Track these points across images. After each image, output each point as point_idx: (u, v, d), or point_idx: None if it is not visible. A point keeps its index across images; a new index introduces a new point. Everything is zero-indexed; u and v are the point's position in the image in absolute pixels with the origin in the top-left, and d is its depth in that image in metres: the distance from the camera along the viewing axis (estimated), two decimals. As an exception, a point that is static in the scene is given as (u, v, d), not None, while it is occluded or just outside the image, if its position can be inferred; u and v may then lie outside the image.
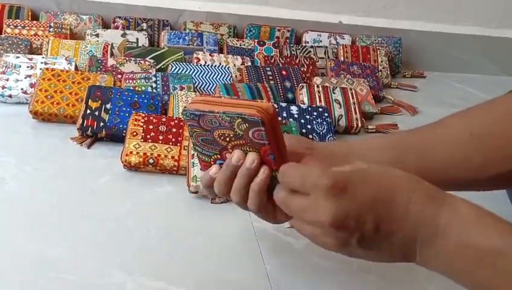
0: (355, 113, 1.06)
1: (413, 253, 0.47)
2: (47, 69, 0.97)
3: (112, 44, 1.16)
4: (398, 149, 0.61)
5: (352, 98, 1.08)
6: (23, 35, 1.16)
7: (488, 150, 0.59)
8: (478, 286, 0.45)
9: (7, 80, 0.97)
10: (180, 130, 0.86)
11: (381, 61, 1.33)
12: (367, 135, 1.08)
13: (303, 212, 0.47)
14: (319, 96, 1.07)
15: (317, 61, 1.27)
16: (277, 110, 0.99)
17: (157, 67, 1.11)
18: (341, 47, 1.32)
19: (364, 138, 1.06)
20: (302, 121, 0.98)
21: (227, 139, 0.51)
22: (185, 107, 0.51)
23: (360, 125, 1.05)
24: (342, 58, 1.30)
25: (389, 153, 0.61)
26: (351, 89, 1.10)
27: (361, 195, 0.45)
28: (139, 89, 0.98)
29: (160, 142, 0.84)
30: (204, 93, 1.06)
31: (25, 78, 0.98)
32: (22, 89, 0.96)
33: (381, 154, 0.60)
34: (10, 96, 0.96)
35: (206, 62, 1.16)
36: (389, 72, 1.33)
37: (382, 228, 0.45)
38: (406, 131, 0.67)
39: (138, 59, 1.09)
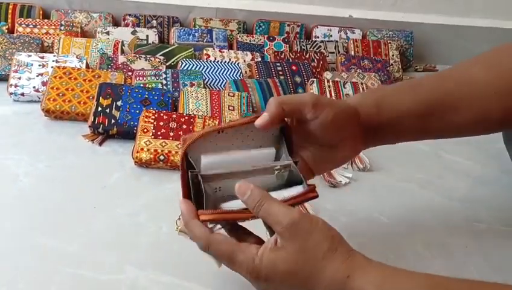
0: (367, 107, 1.05)
1: None
2: (58, 67, 0.97)
3: (122, 41, 1.17)
4: (426, 117, 0.62)
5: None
6: (35, 33, 1.16)
7: (508, 107, 0.60)
8: None
9: (19, 78, 0.98)
10: (191, 127, 0.86)
11: (393, 55, 1.32)
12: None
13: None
14: (330, 91, 1.06)
15: (328, 56, 1.26)
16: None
17: (167, 64, 1.11)
18: (351, 41, 1.31)
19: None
20: (313, 116, 0.97)
21: None
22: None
23: (371, 119, 1.04)
24: (353, 53, 1.29)
25: (417, 122, 0.62)
26: (361, 84, 1.09)
27: (277, 282, 0.49)
28: (150, 86, 0.98)
29: (170, 138, 0.84)
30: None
31: (37, 76, 0.99)
32: (34, 87, 0.97)
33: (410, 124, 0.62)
34: (23, 94, 0.97)
35: (216, 58, 1.16)
36: (400, 66, 1.32)
37: None
38: (433, 82, 0.66)
39: (148, 56, 1.10)
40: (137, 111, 0.90)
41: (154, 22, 1.28)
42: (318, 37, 1.35)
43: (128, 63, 1.07)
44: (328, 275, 0.48)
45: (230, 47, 1.27)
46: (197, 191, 0.53)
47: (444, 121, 0.63)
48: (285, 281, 0.49)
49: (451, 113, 0.62)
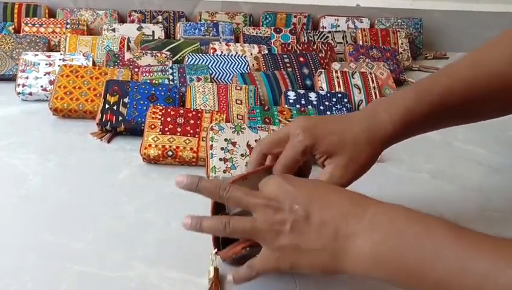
0: (376, 97, 1.04)
1: (342, 250, 0.49)
2: (65, 65, 0.97)
3: (128, 38, 1.17)
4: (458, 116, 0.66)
5: (372, 82, 1.06)
6: (41, 33, 1.17)
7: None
8: (406, 273, 0.46)
9: (27, 78, 0.98)
10: (198, 122, 0.86)
11: (402, 44, 1.30)
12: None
13: (249, 196, 0.53)
14: (338, 82, 1.05)
15: (336, 47, 1.25)
16: (289, 107, 0.98)
17: (173, 59, 1.10)
18: (359, 31, 1.30)
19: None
20: (321, 107, 0.96)
21: None
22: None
23: (380, 109, 1.03)
24: (361, 42, 1.28)
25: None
26: (370, 74, 1.08)
27: (301, 188, 0.53)
28: (156, 82, 0.98)
29: (178, 134, 0.84)
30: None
31: (44, 75, 0.99)
32: (41, 86, 0.97)
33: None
34: (30, 94, 0.97)
35: (222, 52, 1.15)
36: (409, 55, 1.30)
37: (313, 217, 0.50)
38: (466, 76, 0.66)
39: (154, 52, 1.09)
40: (145, 107, 0.90)
41: (160, 17, 1.28)
42: (325, 28, 1.34)
43: (135, 59, 1.06)
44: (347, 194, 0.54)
45: (237, 40, 1.26)
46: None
47: (472, 114, 0.66)
48: (310, 193, 0.52)
49: (481, 106, 0.64)
